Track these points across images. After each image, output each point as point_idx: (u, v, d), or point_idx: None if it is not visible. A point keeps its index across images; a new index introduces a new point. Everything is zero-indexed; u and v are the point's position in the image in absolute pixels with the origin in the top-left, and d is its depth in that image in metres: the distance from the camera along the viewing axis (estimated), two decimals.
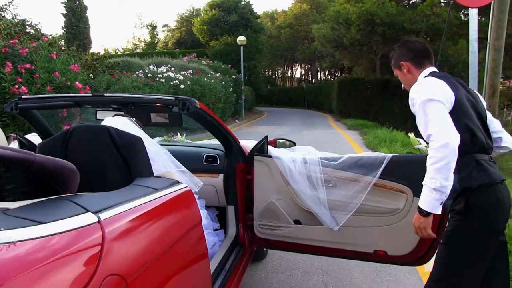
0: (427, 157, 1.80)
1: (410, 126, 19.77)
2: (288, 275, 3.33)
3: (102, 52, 13.74)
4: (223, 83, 17.42)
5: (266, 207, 2.69)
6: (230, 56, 26.65)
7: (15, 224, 0.99)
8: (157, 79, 12.22)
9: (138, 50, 41.17)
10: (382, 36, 19.37)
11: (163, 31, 46.26)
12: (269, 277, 3.29)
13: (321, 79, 50.22)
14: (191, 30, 34.58)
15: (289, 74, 58.40)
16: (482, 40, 5.54)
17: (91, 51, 20.85)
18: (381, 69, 25.62)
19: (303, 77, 56.91)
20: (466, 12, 16.03)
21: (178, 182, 1.80)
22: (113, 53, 34.26)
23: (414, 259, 2.42)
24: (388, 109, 23.06)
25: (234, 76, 20.95)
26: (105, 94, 2.41)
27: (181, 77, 13.08)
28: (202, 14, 33.73)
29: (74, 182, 1.42)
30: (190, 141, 4.09)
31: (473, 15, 4.66)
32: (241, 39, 22.89)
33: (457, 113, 1.85)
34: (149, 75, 12.38)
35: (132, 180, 1.74)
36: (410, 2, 22.25)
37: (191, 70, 14.98)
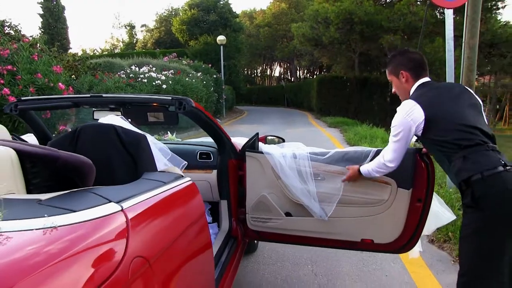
0: (381, 153, 2.31)
1: (389, 122, 20.21)
2: (279, 266, 3.47)
3: (80, 53, 13.54)
4: (204, 82, 17.47)
5: (258, 200, 2.81)
6: (210, 55, 26.64)
7: (51, 212, 1.10)
8: (139, 79, 12.21)
9: (117, 50, 40.74)
10: (361, 34, 19.73)
11: (142, 31, 45.85)
12: (261, 269, 3.43)
13: (300, 78, 50.54)
14: (170, 30, 34.40)
15: (268, 73, 58.62)
16: (457, 37, 5.76)
17: (69, 51, 20.57)
18: (360, 67, 26.07)
19: (282, 75, 57.17)
20: (441, 11, 16.47)
21: (182, 176, 1.92)
22: (91, 54, 33.83)
23: (398, 247, 2.57)
24: (367, 107, 23.49)
25: (215, 76, 20.99)
26: (103, 95, 2.51)
27: (163, 77, 13.09)
28: (181, 14, 33.59)
29: (91, 176, 1.53)
30: (180, 140, 4.20)
31: (449, 15, 4.88)
32: (221, 38, 22.97)
33: (430, 128, 2.07)
34: (131, 75, 12.36)
35: (138, 175, 1.85)
36: (387, 1, 22.69)
37: (172, 70, 14.99)
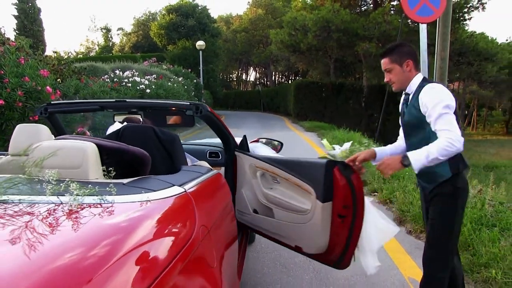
0: (443, 138, 2.09)
1: (364, 126, 20.97)
2: (277, 254, 3.86)
3: (53, 55, 13.60)
4: (185, 87, 17.75)
5: (238, 195, 3.13)
6: (188, 60, 26.91)
7: (139, 191, 1.47)
8: (124, 83, 12.43)
9: (92, 54, 40.42)
10: (337, 41, 20.42)
11: (118, 34, 45.61)
12: (261, 257, 3.81)
13: (276, 82, 51.21)
14: (148, 34, 34.46)
15: (244, 78, 59.13)
16: (429, 46, 6.31)
17: (45, 54, 20.43)
18: (335, 72, 26.83)
19: (258, 80, 57.75)
20: (415, 22, 17.27)
21: (211, 169, 2.30)
22: (65, 57, 33.41)
23: (331, 261, 2.53)
24: (343, 111, 24.17)
25: (195, 80, 21.29)
26: (127, 100, 2.86)
27: (147, 82, 13.35)
28: (159, 18, 33.69)
29: (148, 166, 1.89)
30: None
31: (423, 29, 5.39)
32: (200, 44, 23.29)
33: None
34: (115, 79, 12.55)
35: (175, 168, 2.22)
36: (363, 9, 23.53)
37: (155, 75, 15.24)
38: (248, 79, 59.64)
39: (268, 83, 51.56)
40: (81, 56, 33.62)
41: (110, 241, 1.11)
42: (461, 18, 19.01)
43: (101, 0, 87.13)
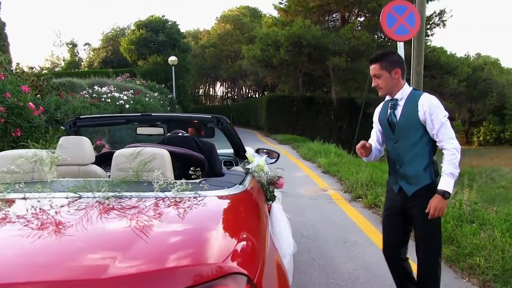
0: (451, 151, 2.42)
1: (334, 138, 21.64)
2: None
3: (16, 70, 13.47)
4: (161, 102, 17.91)
5: None
6: (160, 75, 26.95)
7: (221, 187, 1.80)
8: (103, 99, 12.52)
9: (58, 69, 39.76)
10: (309, 56, 21.13)
11: (85, 49, 45.05)
12: None
13: (245, 97, 51.75)
14: (117, 49, 34.30)
15: (212, 93, 59.45)
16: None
17: (12, 69, 20.07)
18: (304, 86, 27.59)
19: (226, 95, 58.17)
20: (382, 36, 18.22)
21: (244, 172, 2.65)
22: (29, 72, 32.67)
23: None
24: (314, 124, 24.83)
25: (170, 96, 21.47)
26: (152, 114, 3.16)
27: (125, 97, 13.47)
28: (129, 34, 33.63)
29: (206, 169, 2.21)
30: None
31: (401, 47, 5.91)
32: (172, 59, 23.51)
33: None
34: (94, 95, 12.62)
35: (214, 172, 2.54)
36: (331, 25, 24.52)
37: (132, 90, 15.35)
38: (215, 94, 60.02)
39: (236, 97, 52.02)
40: (46, 71, 32.96)
41: (223, 217, 1.46)
42: (425, 34, 20.14)
43: (67, 15, 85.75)
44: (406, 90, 2.62)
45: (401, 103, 2.61)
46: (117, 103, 12.74)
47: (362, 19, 23.45)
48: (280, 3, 25.61)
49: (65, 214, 1.42)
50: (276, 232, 2.43)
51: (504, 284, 3.34)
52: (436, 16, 22.53)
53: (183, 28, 38.59)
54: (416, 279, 2.78)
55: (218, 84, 57.47)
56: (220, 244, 1.26)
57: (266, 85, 43.17)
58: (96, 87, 13.56)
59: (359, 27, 21.61)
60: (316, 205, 6.43)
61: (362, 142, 2.69)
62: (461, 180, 6.70)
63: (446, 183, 2.41)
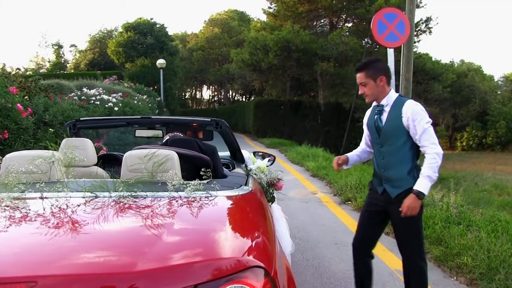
0: (431, 155, 2.50)
1: (321, 142, 21.85)
2: None
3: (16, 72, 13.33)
4: (150, 105, 17.89)
5: None
6: (147, 78, 26.87)
7: (230, 188, 1.89)
8: (92, 101, 12.48)
9: (42, 70, 39.30)
10: (297, 61, 21.31)
11: (70, 51, 44.62)
12: None
13: (231, 100, 51.82)
14: (105, 51, 34.07)
15: (199, 96, 59.40)
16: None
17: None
18: (291, 90, 27.79)
19: (213, 98, 58.18)
20: (370, 42, 18.49)
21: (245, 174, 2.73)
22: (13, 73, 32.25)
23: None
24: (301, 128, 25.01)
25: (158, 98, 21.43)
26: (152, 116, 3.23)
27: (114, 100, 13.45)
28: (117, 36, 33.44)
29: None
30: None
31: (391, 53, 6.06)
32: (160, 62, 23.46)
33: None
34: (82, 97, 12.58)
35: (216, 174, 2.62)
36: (319, 31, 24.79)
37: (121, 93, 15.33)
38: (202, 97, 60.01)
39: (223, 100, 52.06)
40: (31, 72, 32.57)
41: (236, 216, 1.55)
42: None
43: (53, 16, 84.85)
44: (391, 96, 2.72)
45: (387, 109, 2.71)
46: (106, 105, 12.71)
47: (350, 24, 23.77)
48: (269, 7, 25.92)
49: (87, 213, 1.50)
50: (276, 232, 2.53)
51: (490, 282, 3.49)
52: (422, 23, 22.98)
53: (171, 31, 38.45)
54: (403, 275, 2.88)
55: (205, 87, 57.51)
56: (237, 240, 1.35)
57: (253, 89, 43.32)
58: (84, 89, 13.50)
59: (347, 33, 21.93)
60: (306, 208, 6.54)
61: (334, 161, 2.97)
62: (447, 184, 6.90)
63: (422, 185, 2.51)
